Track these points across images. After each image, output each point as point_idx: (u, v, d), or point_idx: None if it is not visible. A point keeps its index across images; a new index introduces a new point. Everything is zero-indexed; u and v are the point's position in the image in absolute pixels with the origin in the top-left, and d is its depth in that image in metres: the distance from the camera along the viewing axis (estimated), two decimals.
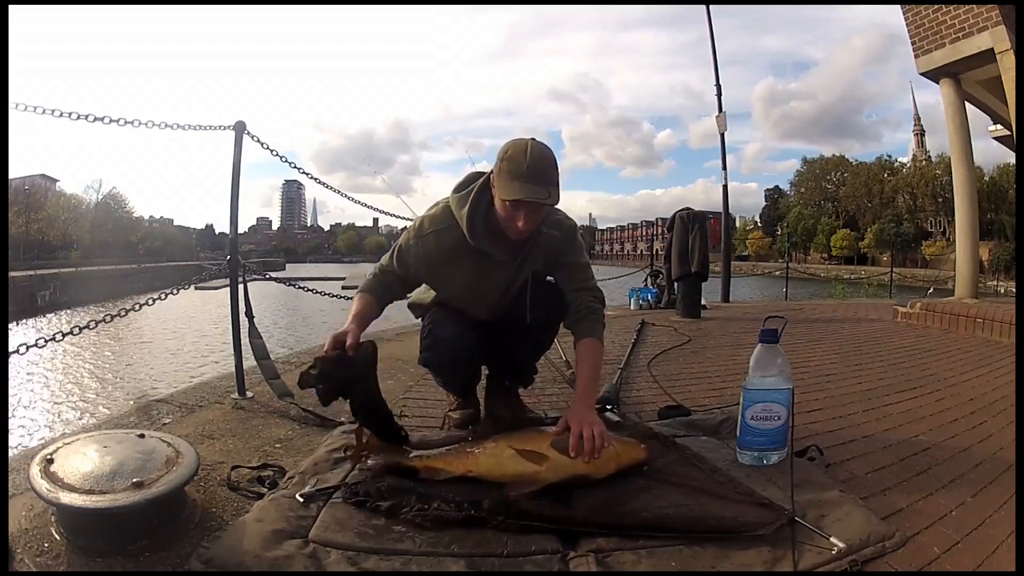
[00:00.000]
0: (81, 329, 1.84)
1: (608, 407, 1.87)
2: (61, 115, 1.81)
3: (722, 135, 7.14)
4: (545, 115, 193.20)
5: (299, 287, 2.92)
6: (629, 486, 1.27)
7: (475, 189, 1.51)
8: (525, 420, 1.73)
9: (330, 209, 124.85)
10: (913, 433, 1.79)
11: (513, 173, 1.39)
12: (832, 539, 1.06)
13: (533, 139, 1.43)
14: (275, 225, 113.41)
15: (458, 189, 1.57)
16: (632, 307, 5.63)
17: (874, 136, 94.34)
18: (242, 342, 2.17)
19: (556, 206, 1.54)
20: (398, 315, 1.81)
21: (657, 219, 64.94)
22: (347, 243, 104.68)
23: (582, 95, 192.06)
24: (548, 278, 1.64)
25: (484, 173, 1.55)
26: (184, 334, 11.88)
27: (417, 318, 1.83)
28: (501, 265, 1.56)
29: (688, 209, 4.91)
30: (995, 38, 4.57)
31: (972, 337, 3.95)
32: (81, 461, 1.12)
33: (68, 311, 17.12)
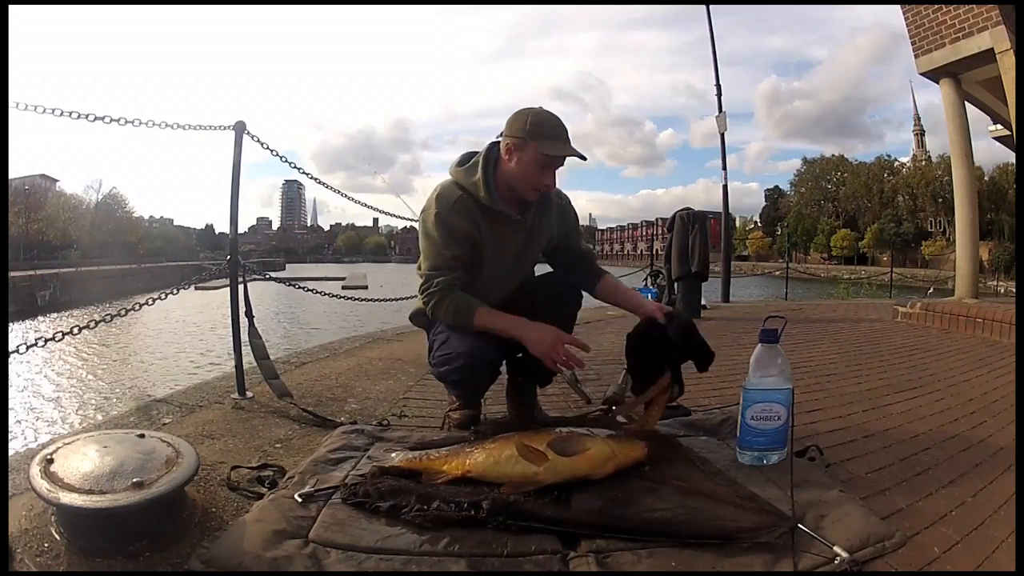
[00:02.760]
0: (81, 329, 1.84)
1: (613, 408, 1.86)
2: (61, 115, 1.80)
3: (722, 135, 7.15)
4: None
5: (299, 287, 2.92)
6: (630, 487, 1.27)
7: (480, 158, 1.59)
8: (530, 421, 1.73)
9: (330, 209, 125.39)
10: (913, 433, 1.79)
11: (551, 135, 1.53)
12: (835, 548, 1.05)
13: (541, 107, 1.57)
14: (275, 225, 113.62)
15: (460, 164, 1.63)
16: None
17: (877, 136, 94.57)
18: (242, 342, 2.17)
19: None
20: (396, 318, 1.80)
21: (657, 219, 64.98)
22: (347, 243, 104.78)
23: (584, 94, 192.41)
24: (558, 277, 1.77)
25: (476, 152, 1.63)
26: (184, 334, 11.88)
27: (418, 327, 1.79)
28: (516, 225, 1.63)
29: (688, 209, 4.92)
30: (995, 38, 4.57)
31: (972, 337, 3.95)
32: (81, 461, 1.12)
33: (68, 311, 17.12)
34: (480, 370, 1.60)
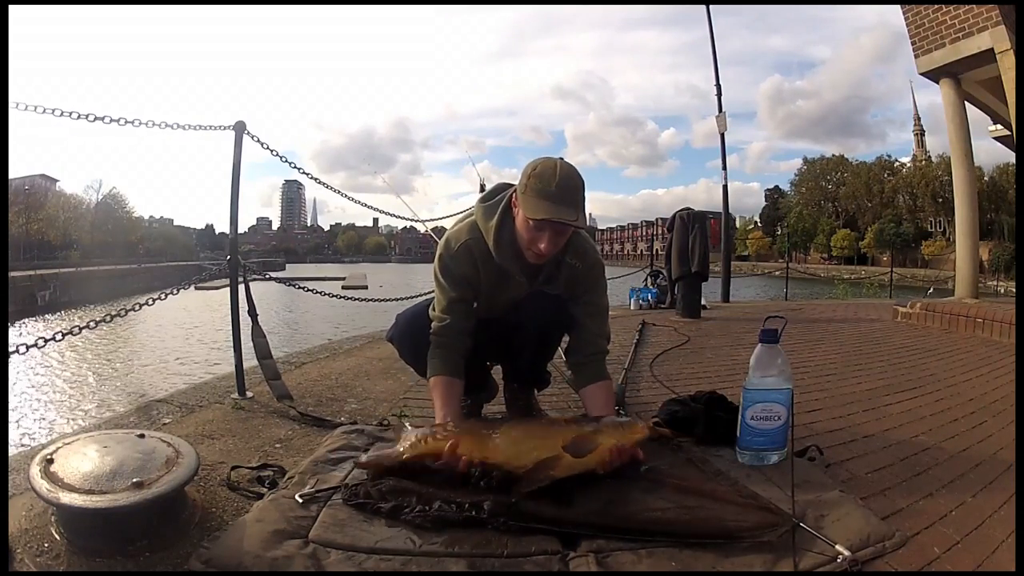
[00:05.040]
0: (81, 329, 1.83)
1: (615, 408, 1.87)
2: (61, 115, 1.80)
3: (722, 135, 7.14)
4: (548, 114, 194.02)
5: (299, 287, 2.92)
6: (630, 487, 1.27)
7: (503, 203, 1.49)
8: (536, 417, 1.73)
9: (330, 209, 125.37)
10: (913, 433, 1.79)
11: (541, 192, 1.36)
12: (837, 547, 1.05)
13: (562, 159, 1.42)
14: (275, 225, 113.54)
15: (484, 199, 1.54)
16: (632, 307, 5.63)
17: (879, 136, 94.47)
18: (242, 342, 2.17)
19: (584, 235, 1.54)
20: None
21: (657, 219, 64.95)
22: (347, 243, 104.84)
23: (587, 93, 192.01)
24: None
25: (511, 185, 1.52)
26: (184, 334, 11.88)
27: None
28: (517, 285, 1.54)
29: (688, 209, 4.92)
30: (995, 38, 4.57)
31: (972, 337, 3.95)
32: (81, 461, 1.12)
33: (68, 311, 17.12)
34: (404, 343, 1.67)
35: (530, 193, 1.37)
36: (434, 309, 1.58)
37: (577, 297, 1.57)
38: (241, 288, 2.17)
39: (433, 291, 1.64)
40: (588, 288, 1.57)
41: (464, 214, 1.64)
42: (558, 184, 1.35)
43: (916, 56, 5.29)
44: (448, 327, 1.53)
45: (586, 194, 1.43)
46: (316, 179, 2.76)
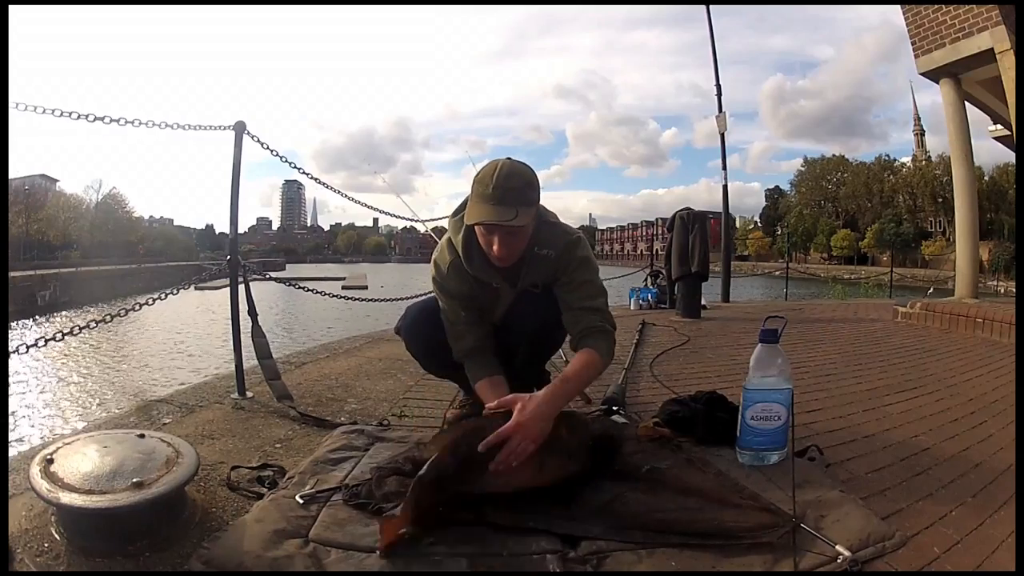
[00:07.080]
0: (81, 329, 1.83)
1: (615, 408, 1.87)
2: (61, 115, 1.80)
3: (722, 135, 7.14)
4: (549, 114, 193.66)
5: (299, 287, 2.92)
6: (631, 487, 1.27)
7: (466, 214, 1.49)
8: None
9: (330, 209, 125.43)
10: (913, 433, 1.79)
11: (480, 195, 1.35)
12: (837, 547, 1.05)
13: (508, 159, 1.40)
14: (275, 225, 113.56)
15: (455, 213, 1.54)
16: (632, 307, 5.64)
17: (881, 136, 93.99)
18: (242, 342, 2.17)
19: (553, 224, 1.51)
20: (397, 318, 1.79)
21: (657, 219, 64.99)
22: (347, 243, 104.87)
23: (588, 92, 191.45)
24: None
25: None
26: (184, 334, 11.88)
27: None
28: (502, 291, 1.54)
29: (688, 209, 4.92)
30: (995, 38, 4.57)
31: (972, 337, 3.95)
32: (81, 461, 1.12)
33: (68, 311, 17.13)
34: (414, 335, 1.65)
35: (473, 199, 1.37)
36: (447, 318, 1.55)
37: (557, 279, 1.52)
38: (241, 288, 2.17)
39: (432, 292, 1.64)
40: (566, 269, 1.50)
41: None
42: (495, 186, 1.33)
43: (916, 56, 5.29)
44: (474, 341, 1.52)
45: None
46: (316, 179, 2.76)
